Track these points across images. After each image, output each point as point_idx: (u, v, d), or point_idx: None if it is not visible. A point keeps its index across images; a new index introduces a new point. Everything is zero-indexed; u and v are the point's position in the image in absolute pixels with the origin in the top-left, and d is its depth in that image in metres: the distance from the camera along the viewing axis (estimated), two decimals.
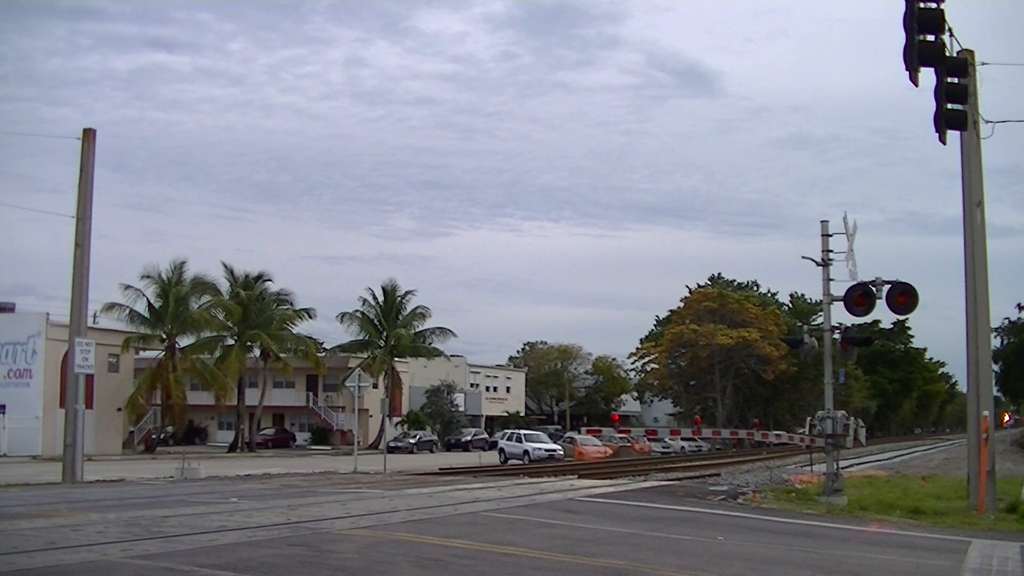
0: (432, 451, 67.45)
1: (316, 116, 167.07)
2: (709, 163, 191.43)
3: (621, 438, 58.05)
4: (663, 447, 64.59)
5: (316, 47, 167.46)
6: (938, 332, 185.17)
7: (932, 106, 18.57)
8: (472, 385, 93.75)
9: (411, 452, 64.03)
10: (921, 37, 17.29)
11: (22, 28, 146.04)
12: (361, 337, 72.22)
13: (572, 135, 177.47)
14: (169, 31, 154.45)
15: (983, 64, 19.92)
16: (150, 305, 60.45)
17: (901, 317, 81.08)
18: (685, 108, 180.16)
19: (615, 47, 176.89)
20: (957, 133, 19.36)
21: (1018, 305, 61.51)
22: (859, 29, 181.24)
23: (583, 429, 53.03)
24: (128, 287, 59.90)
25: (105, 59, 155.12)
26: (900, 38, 17.44)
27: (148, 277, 60.40)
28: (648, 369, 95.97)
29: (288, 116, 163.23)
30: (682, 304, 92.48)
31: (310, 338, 73.14)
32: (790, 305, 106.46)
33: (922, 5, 17.20)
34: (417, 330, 73.35)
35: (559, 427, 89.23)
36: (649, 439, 63.34)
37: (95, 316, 56.78)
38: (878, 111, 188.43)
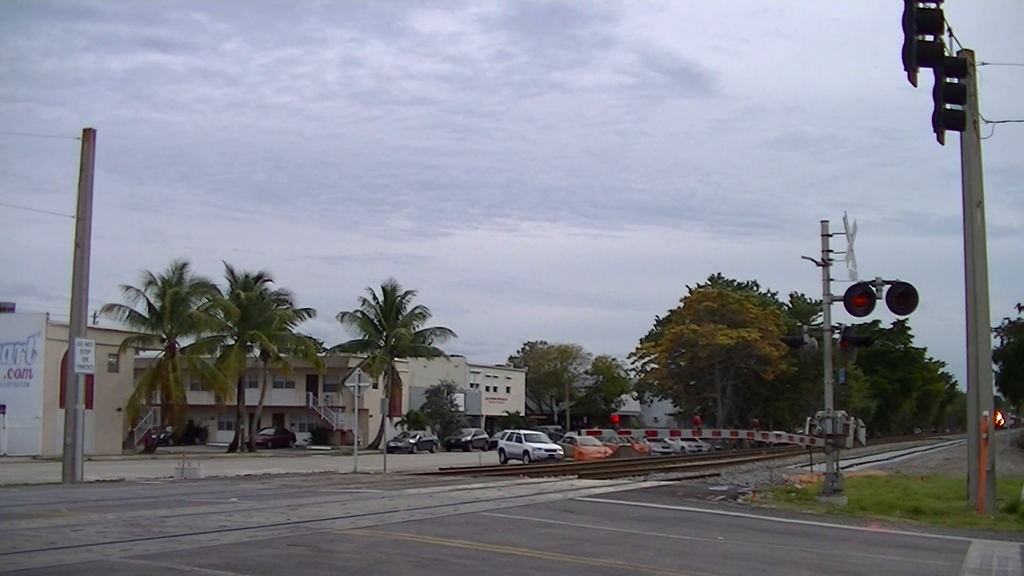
0: (432, 451, 67.46)
1: (312, 116, 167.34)
2: (706, 163, 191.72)
3: (621, 439, 58.02)
4: (663, 447, 64.55)
5: (311, 47, 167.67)
6: (938, 332, 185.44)
7: (929, 106, 18.59)
8: (472, 385, 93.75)
9: (411, 452, 64.04)
10: (920, 37, 17.31)
11: (18, 28, 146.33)
12: (361, 337, 72.25)
13: (568, 135, 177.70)
14: (164, 31, 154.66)
15: (983, 64, 19.92)
16: (150, 305, 60.49)
17: (901, 317, 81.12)
18: (681, 108, 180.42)
19: (610, 47, 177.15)
20: (956, 133, 19.36)
21: (1018, 305, 61.52)
22: (854, 29, 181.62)
23: (583, 431, 52.87)
24: (128, 287, 60.11)
25: (101, 59, 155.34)
26: (896, 38, 17.46)
27: (151, 283, 60.47)
28: (648, 369, 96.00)
29: (284, 116, 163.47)
30: (682, 304, 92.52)
31: (310, 338, 73.21)
32: (790, 305, 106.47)
33: (921, 5, 17.22)
34: (417, 330, 73.38)
35: (559, 427, 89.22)
36: (649, 440, 63.32)
37: (95, 316, 56.89)
38: (874, 111, 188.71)
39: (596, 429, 55.10)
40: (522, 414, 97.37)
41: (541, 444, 54.02)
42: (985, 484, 19.90)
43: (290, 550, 11.67)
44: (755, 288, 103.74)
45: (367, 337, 72.12)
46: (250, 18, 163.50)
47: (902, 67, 17.40)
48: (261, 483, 26.41)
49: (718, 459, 54.03)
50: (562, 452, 52.98)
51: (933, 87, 18.44)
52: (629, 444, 60.12)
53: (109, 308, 59.30)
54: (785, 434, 31.64)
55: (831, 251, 23.03)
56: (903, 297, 21.64)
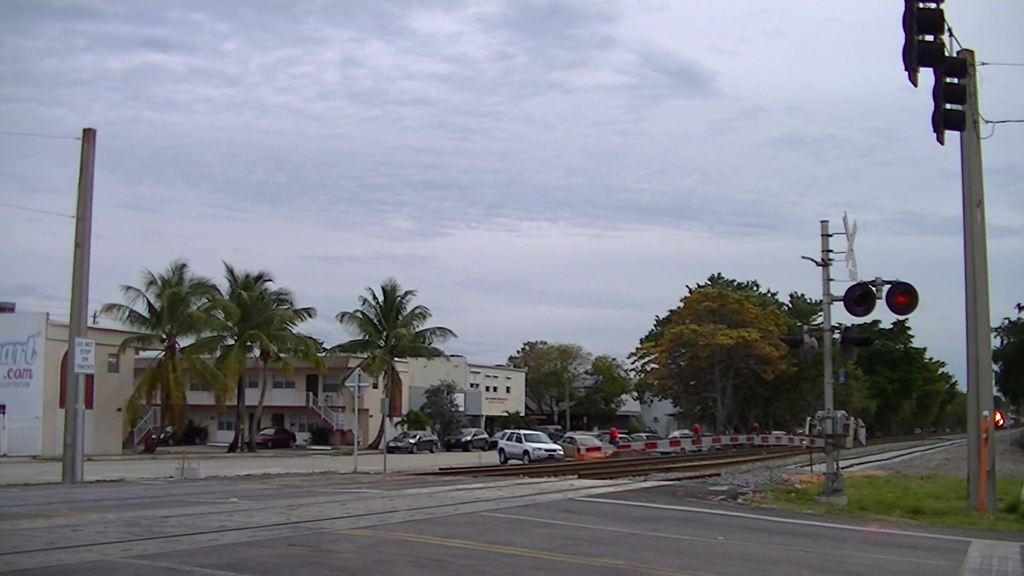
0: (432, 451, 67.46)
1: (312, 116, 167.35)
2: (705, 163, 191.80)
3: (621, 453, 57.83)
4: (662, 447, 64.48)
5: (310, 47, 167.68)
6: (938, 332, 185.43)
7: (929, 106, 18.59)
8: (472, 385, 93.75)
9: (411, 452, 64.05)
10: (920, 37, 17.31)
11: (17, 28, 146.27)
12: (361, 337, 72.28)
13: (568, 135, 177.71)
14: (163, 31, 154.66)
15: (983, 64, 19.92)
16: (150, 305, 60.50)
17: (901, 317, 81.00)
18: (680, 108, 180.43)
19: (609, 47, 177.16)
20: (956, 133, 19.36)
21: (1018, 305, 61.54)
22: (853, 29, 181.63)
23: (583, 448, 52.54)
24: (128, 287, 60.13)
25: (100, 59, 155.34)
26: (895, 38, 17.47)
27: (152, 283, 60.50)
28: (648, 369, 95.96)
29: (284, 116, 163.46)
30: (682, 304, 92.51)
31: (310, 338, 73.21)
32: (790, 305, 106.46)
33: (921, 5, 17.22)
34: (417, 330, 73.39)
35: (559, 427, 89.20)
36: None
37: (95, 316, 56.89)
38: (873, 111, 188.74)
39: (597, 445, 55.13)
40: (522, 414, 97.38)
41: (541, 444, 54.00)
42: (985, 484, 19.90)
43: (290, 550, 11.67)
44: (755, 288, 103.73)
45: (367, 337, 72.13)
46: (249, 18, 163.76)
47: (902, 67, 17.41)
48: (261, 483, 26.42)
49: (718, 459, 53.93)
50: (562, 452, 52.96)
51: (933, 87, 18.44)
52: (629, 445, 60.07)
53: (109, 308, 59.38)
54: (785, 435, 31.63)
55: (831, 251, 23.02)
56: (903, 297, 21.64)
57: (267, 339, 63.94)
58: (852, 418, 23.45)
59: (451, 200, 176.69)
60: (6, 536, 12.43)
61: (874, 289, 21.81)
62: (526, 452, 51.94)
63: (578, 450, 51.97)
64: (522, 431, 59.56)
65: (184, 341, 62.31)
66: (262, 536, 12.99)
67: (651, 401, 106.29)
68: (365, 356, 70.68)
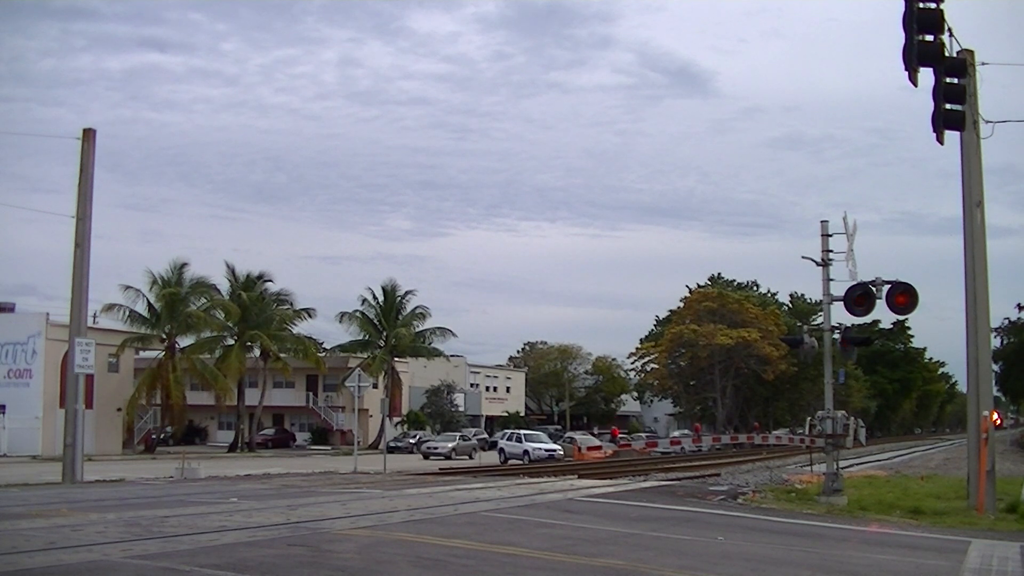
0: None
1: (310, 116, 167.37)
2: (704, 163, 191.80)
3: (621, 452, 57.78)
4: (663, 447, 64.46)
5: (309, 47, 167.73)
6: (938, 332, 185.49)
7: (927, 106, 18.59)
8: (472, 385, 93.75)
9: (411, 452, 64.03)
10: (920, 37, 17.31)
11: (15, 28, 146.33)
12: (361, 337, 72.28)
13: (567, 135, 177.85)
14: (162, 31, 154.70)
15: (983, 64, 19.93)
16: (150, 305, 60.50)
17: (901, 317, 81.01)
18: (679, 108, 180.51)
19: (608, 47, 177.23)
20: (956, 133, 19.35)
21: (1018, 305, 61.53)
22: (852, 29, 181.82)
23: (584, 447, 52.45)
24: (128, 287, 60.14)
25: (99, 59, 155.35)
26: (894, 38, 17.47)
27: (154, 284, 60.51)
28: (648, 369, 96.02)
29: (282, 116, 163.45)
30: (682, 304, 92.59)
31: (310, 338, 73.21)
32: (790, 305, 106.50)
33: (921, 5, 17.21)
34: (417, 330, 73.39)
35: (559, 427, 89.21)
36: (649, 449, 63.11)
37: (95, 316, 56.87)
38: (872, 111, 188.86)
39: (598, 444, 55.12)
40: (522, 414, 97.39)
41: (541, 444, 54.00)
42: (985, 484, 19.91)
43: (290, 550, 11.67)
44: (755, 288, 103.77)
45: (367, 337, 72.13)
46: (248, 18, 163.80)
47: (902, 67, 17.41)
48: (261, 483, 26.41)
49: (718, 459, 53.92)
50: (562, 452, 52.96)
51: (933, 87, 18.43)
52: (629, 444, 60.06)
53: (109, 308, 59.39)
54: (785, 435, 31.66)
55: (831, 251, 23.04)
56: (903, 297, 21.65)
57: (267, 339, 63.94)
58: (852, 418, 23.47)
59: (450, 200, 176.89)
60: (6, 536, 12.43)
61: (874, 289, 21.82)
62: (526, 452, 51.94)
63: (579, 449, 51.94)
64: (522, 431, 59.56)
65: (184, 341, 62.34)
66: (262, 536, 12.99)
67: (651, 401, 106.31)
68: (365, 356, 70.68)
